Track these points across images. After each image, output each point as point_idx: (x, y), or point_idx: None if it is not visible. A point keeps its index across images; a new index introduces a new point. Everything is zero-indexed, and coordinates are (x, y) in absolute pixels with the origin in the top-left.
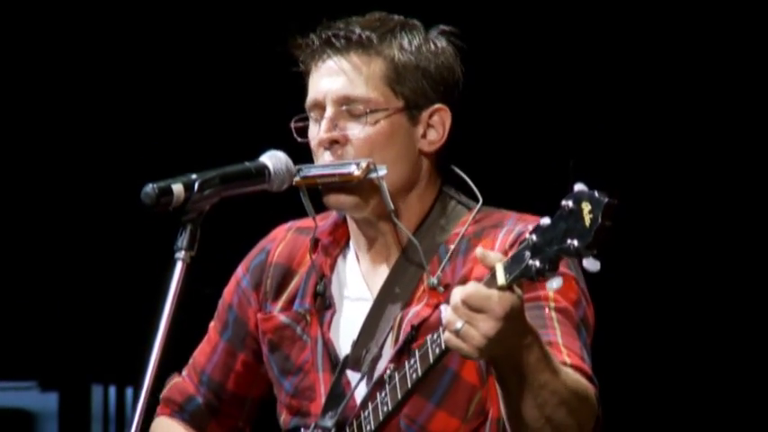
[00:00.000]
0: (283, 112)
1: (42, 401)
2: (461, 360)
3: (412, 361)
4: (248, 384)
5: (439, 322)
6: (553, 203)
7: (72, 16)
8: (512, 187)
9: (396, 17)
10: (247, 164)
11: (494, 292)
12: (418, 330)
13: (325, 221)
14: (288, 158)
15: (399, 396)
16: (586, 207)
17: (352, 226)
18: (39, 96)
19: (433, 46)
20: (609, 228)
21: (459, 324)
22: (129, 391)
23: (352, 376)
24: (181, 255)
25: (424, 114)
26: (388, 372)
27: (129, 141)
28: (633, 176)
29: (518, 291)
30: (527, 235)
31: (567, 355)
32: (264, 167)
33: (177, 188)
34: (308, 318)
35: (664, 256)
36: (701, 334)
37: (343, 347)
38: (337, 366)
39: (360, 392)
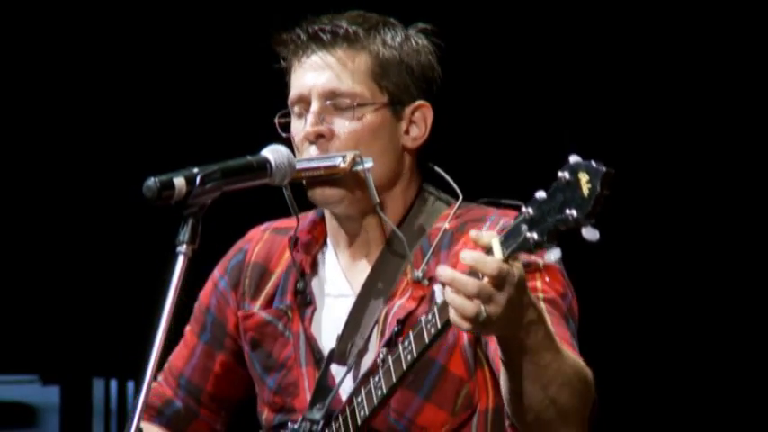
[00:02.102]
0: (283, 106)
1: (44, 395)
2: (449, 353)
3: (406, 343)
4: (227, 386)
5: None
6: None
7: (71, 11)
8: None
9: (375, 15)
10: (249, 158)
11: (505, 266)
12: (404, 324)
13: (303, 220)
14: (289, 152)
15: (394, 378)
16: (584, 177)
17: (331, 223)
18: (39, 91)
19: (414, 43)
20: (607, 196)
21: (471, 308)
22: (131, 385)
23: (338, 370)
24: (182, 249)
25: (407, 110)
26: (380, 356)
27: (130, 135)
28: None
29: (517, 262)
30: (522, 209)
31: (558, 343)
32: (266, 161)
33: (179, 182)
34: (290, 314)
35: (655, 248)
36: (694, 330)
37: (326, 343)
38: (321, 361)
39: (346, 386)
